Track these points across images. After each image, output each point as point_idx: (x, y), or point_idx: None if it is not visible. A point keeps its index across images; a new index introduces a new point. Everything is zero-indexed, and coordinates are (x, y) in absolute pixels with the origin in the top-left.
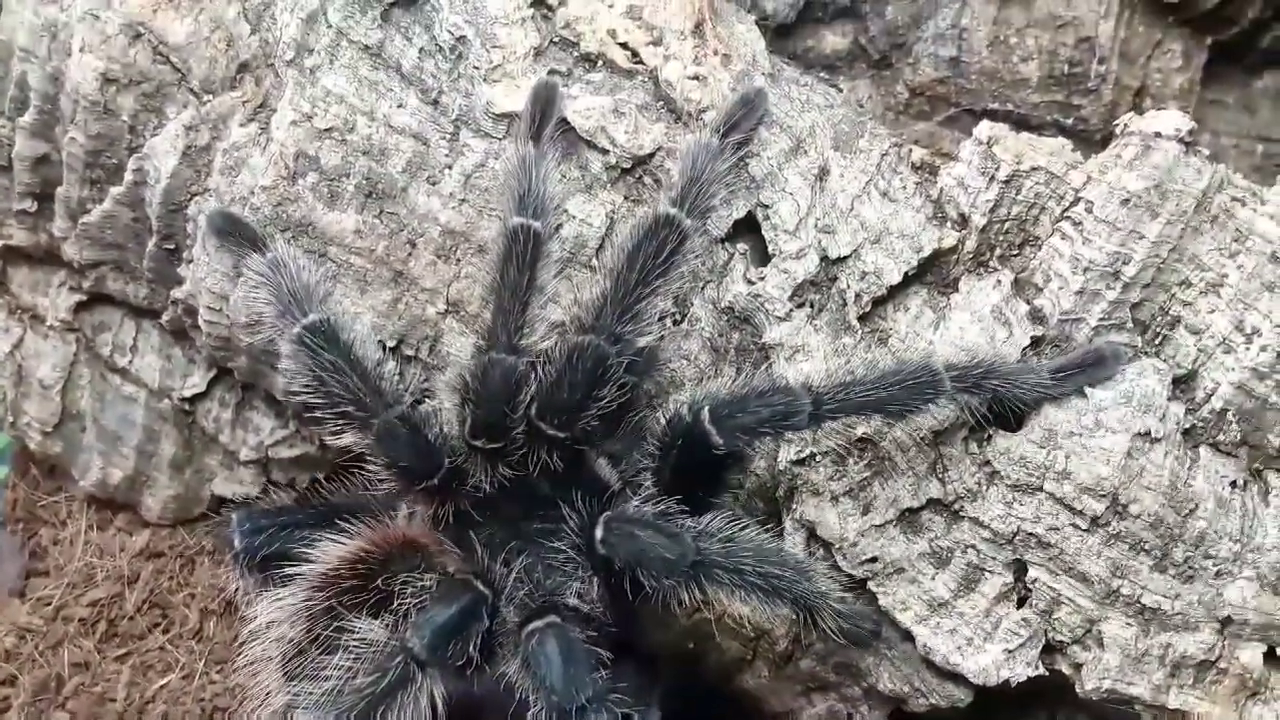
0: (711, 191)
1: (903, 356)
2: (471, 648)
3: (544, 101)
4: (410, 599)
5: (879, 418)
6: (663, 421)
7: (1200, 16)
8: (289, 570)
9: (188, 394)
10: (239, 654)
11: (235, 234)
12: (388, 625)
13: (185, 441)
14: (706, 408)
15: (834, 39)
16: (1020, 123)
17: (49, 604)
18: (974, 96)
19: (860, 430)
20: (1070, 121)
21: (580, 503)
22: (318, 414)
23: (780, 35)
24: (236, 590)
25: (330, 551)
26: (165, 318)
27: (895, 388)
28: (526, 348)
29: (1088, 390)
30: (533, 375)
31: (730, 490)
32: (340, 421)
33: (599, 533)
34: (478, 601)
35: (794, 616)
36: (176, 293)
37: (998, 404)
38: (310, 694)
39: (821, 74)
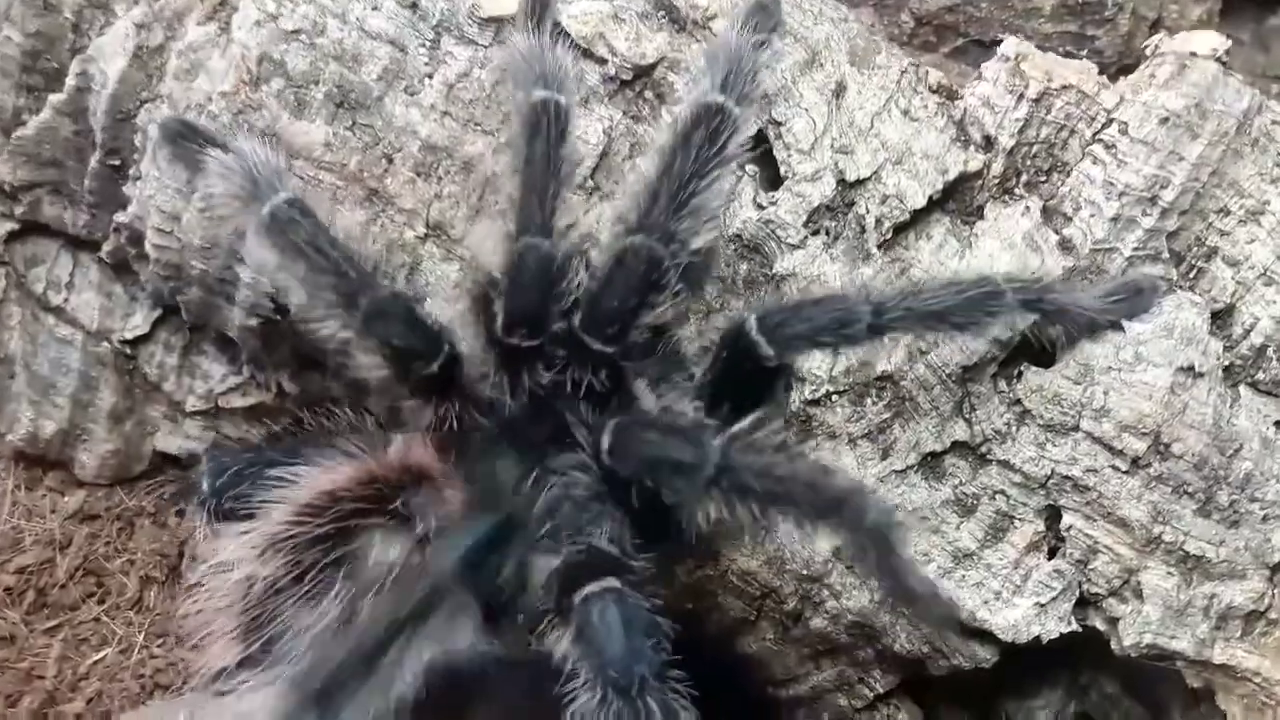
0: (756, 80)
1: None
2: (505, 572)
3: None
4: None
5: (943, 331)
6: (696, 343)
7: None
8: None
9: (129, 336)
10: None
11: (192, 139)
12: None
13: (126, 390)
14: (753, 317)
15: None
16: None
17: None
18: (983, 26)
19: (881, 366)
20: (1084, 53)
21: (601, 430)
22: (295, 304)
23: None
24: (204, 540)
25: (314, 482)
26: (107, 248)
27: (958, 298)
28: (563, 232)
29: (1125, 324)
30: (571, 270)
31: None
32: (322, 308)
33: (605, 441)
34: (509, 523)
35: (852, 546)
36: (121, 217)
37: (1041, 332)
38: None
39: None
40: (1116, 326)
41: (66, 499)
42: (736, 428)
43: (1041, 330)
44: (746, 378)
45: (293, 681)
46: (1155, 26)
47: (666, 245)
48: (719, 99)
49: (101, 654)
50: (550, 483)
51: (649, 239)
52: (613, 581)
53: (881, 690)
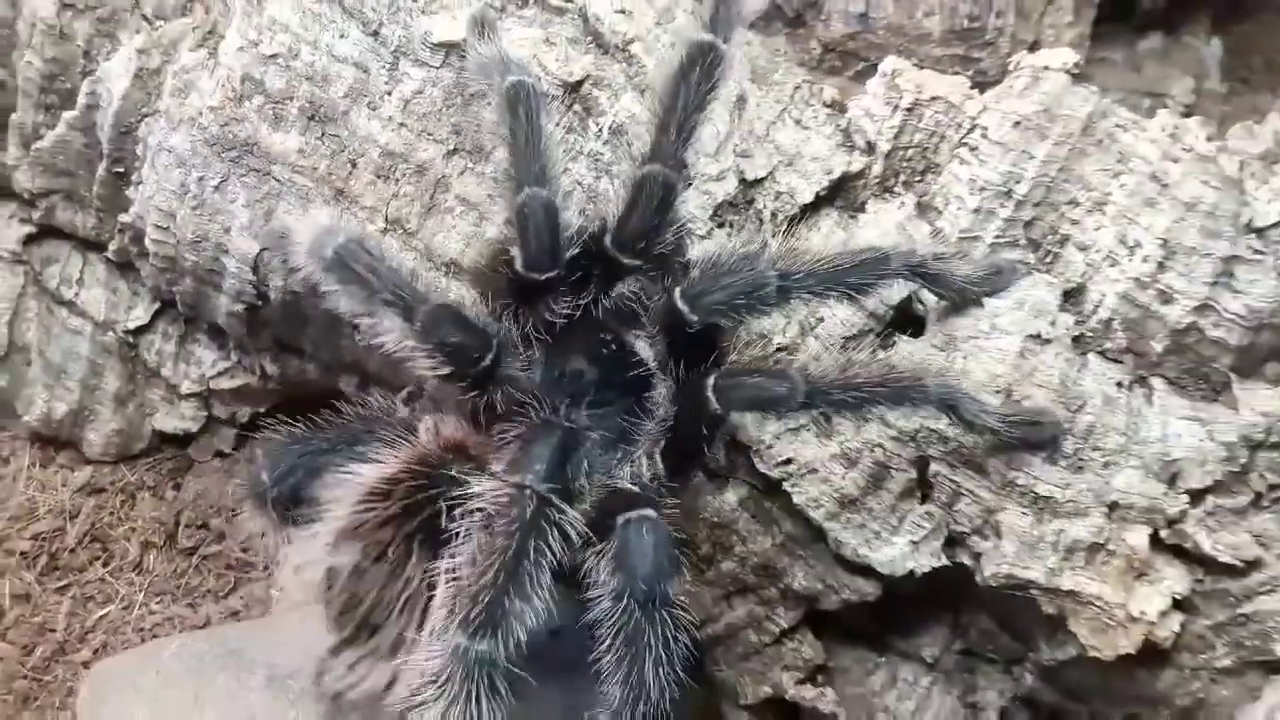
0: (736, 18)
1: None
2: (581, 476)
3: (484, 23)
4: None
5: (837, 294)
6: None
7: None
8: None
9: (132, 327)
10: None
11: (282, 236)
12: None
13: (128, 375)
14: (679, 289)
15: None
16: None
17: None
18: (881, 51)
19: (777, 339)
20: (970, 73)
21: (626, 381)
22: (363, 323)
23: None
24: (264, 537)
25: (369, 472)
26: (112, 248)
27: (853, 264)
28: (553, 183)
29: (985, 300)
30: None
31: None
32: (385, 323)
33: (709, 393)
34: (570, 432)
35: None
36: (124, 218)
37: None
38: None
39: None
40: (977, 303)
41: (76, 474)
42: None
43: (918, 298)
44: (690, 343)
45: (457, 619)
46: (1034, 47)
47: (678, 171)
48: (707, 37)
49: (106, 610)
50: (576, 435)
51: (664, 167)
52: (650, 511)
53: (786, 625)
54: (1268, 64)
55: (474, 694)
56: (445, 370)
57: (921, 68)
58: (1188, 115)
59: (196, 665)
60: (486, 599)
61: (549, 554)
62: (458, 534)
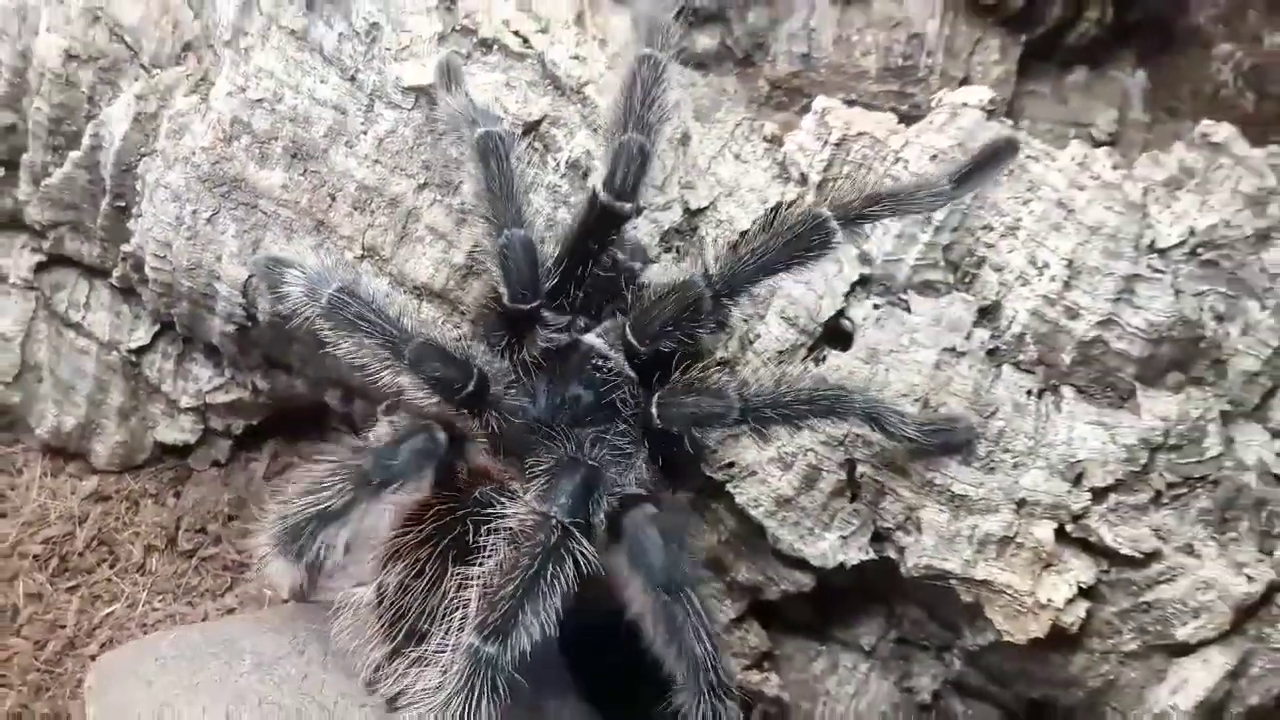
0: (670, 39)
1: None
2: (600, 513)
3: (450, 71)
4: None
5: (776, 274)
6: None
7: (1012, 16)
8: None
9: (134, 346)
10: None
11: (275, 266)
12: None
13: (131, 391)
14: (627, 323)
15: (704, 40)
16: (864, 109)
17: (5, 542)
18: (824, 88)
19: (720, 354)
20: (905, 108)
21: (619, 400)
22: (360, 363)
23: None
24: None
25: (405, 499)
26: (115, 275)
27: (787, 247)
28: (528, 223)
29: (904, 316)
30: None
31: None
32: (377, 363)
33: (654, 410)
34: (594, 469)
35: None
36: (126, 247)
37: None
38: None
39: (693, 69)
40: (898, 320)
41: (84, 483)
42: (741, 377)
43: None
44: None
45: (474, 626)
46: (964, 83)
47: (649, 137)
48: (646, 50)
49: (112, 608)
50: (584, 451)
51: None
52: (650, 508)
53: (733, 615)
54: (1194, 93)
55: (476, 690)
56: (434, 400)
57: (860, 104)
58: (1111, 144)
59: (191, 654)
60: (504, 609)
61: (562, 580)
62: (484, 548)
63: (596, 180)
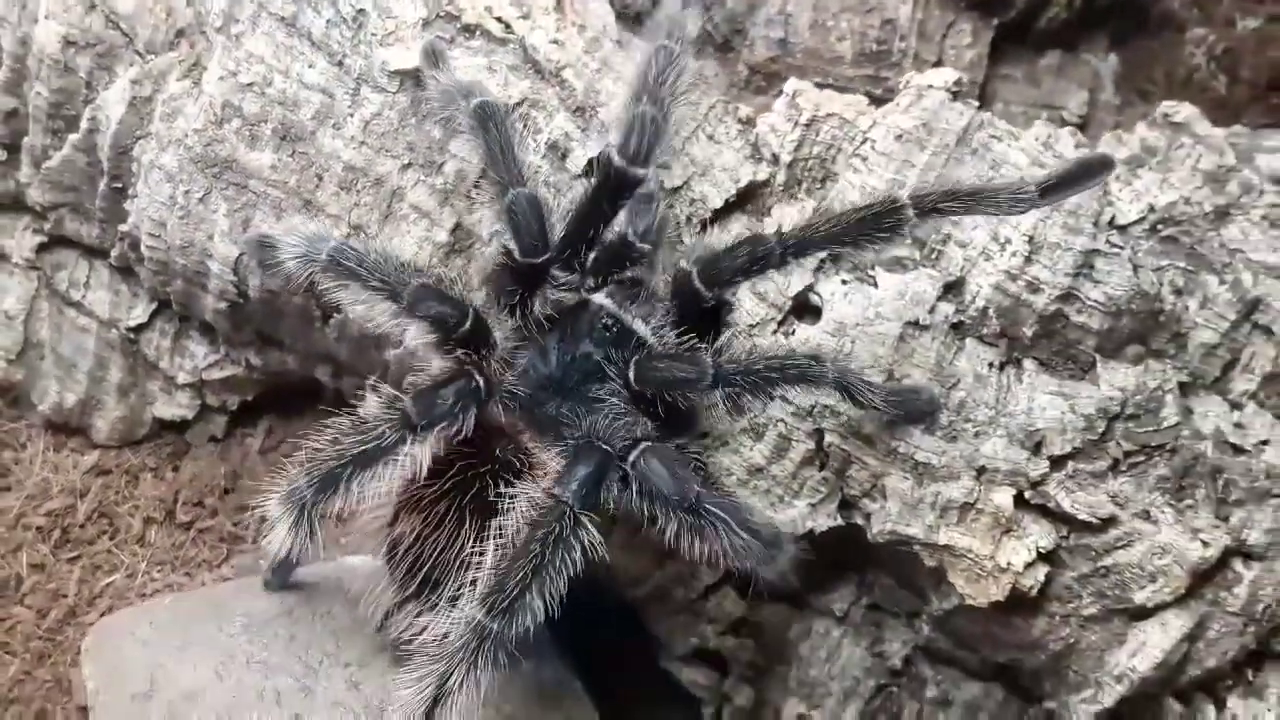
0: (687, 33)
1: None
2: (609, 498)
3: (435, 53)
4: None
5: (843, 246)
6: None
7: (984, 0)
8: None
9: (133, 324)
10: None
11: (268, 240)
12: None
13: (130, 368)
14: (695, 268)
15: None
16: (840, 93)
17: (9, 514)
18: (800, 72)
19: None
20: (880, 92)
21: (627, 363)
22: (361, 309)
23: (638, 23)
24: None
25: (422, 451)
26: (114, 254)
27: (859, 225)
28: (531, 180)
29: (871, 292)
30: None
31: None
32: (376, 306)
33: (631, 374)
34: (608, 456)
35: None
36: (123, 227)
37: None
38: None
39: None
40: (863, 294)
41: (85, 457)
42: (717, 344)
43: (814, 290)
44: (699, 315)
45: (480, 600)
46: (937, 66)
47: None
48: (664, 41)
49: (112, 578)
50: (591, 409)
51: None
52: (646, 442)
53: (709, 583)
54: (1168, 77)
55: (476, 662)
56: (431, 336)
57: (836, 88)
58: (1081, 126)
59: (185, 617)
60: (510, 589)
61: (570, 566)
62: (503, 505)
63: (611, 147)
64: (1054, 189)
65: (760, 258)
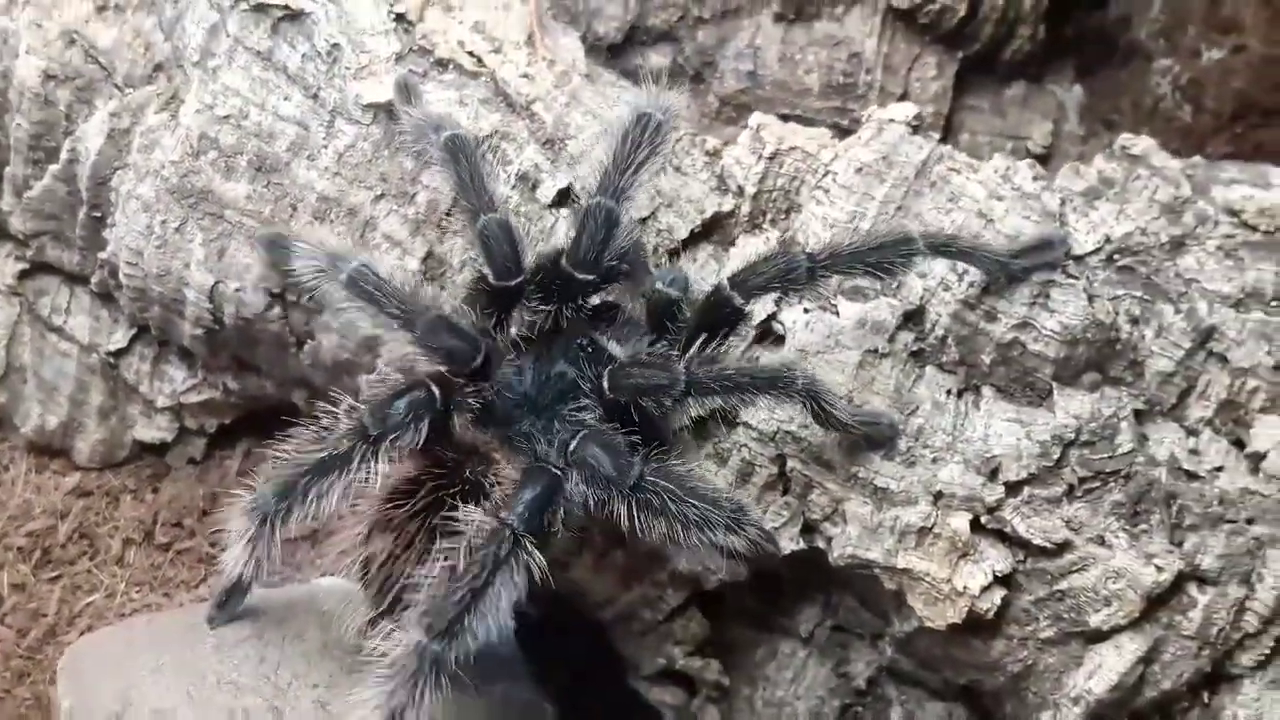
0: (675, 107)
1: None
2: (558, 520)
3: (407, 88)
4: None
5: (864, 274)
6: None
7: (947, 34)
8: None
9: (113, 349)
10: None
11: (282, 242)
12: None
13: (111, 392)
14: (726, 279)
15: (657, 58)
16: (806, 124)
17: None
18: (769, 104)
19: None
20: (846, 124)
21: (600, 377)
22: (371, 329)
23: (613, 55)
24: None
25: (396, 472)
26: (94, 281)
27: (877, 251)
28: (502, 207)
29: (832, 320)
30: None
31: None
32: (389, 332)
33: (605, 382)
34: (555, 478)
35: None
36: (102, 255)
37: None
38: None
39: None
40: (825, 322)
41: (66, 479)
42: (689, 352)
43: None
44: (715, 326)
45: (419, 621)
46: (903, 99)
47: (618, 201)
48: (646, 109)
49: (91, 598)
50: (562, 428)
51: (605, 199)
52: (584, 430)
53: (675, 605)
54: (1134, 106)
55: (420, 683)
56: (443, 368)
57: (804, 120)
58: (1045, 157)
59: (159, 638)
60: (450, 614)
61: (512, 587)
62: (451, 527)
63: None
64: (1020, 255)
65: (791, 271)
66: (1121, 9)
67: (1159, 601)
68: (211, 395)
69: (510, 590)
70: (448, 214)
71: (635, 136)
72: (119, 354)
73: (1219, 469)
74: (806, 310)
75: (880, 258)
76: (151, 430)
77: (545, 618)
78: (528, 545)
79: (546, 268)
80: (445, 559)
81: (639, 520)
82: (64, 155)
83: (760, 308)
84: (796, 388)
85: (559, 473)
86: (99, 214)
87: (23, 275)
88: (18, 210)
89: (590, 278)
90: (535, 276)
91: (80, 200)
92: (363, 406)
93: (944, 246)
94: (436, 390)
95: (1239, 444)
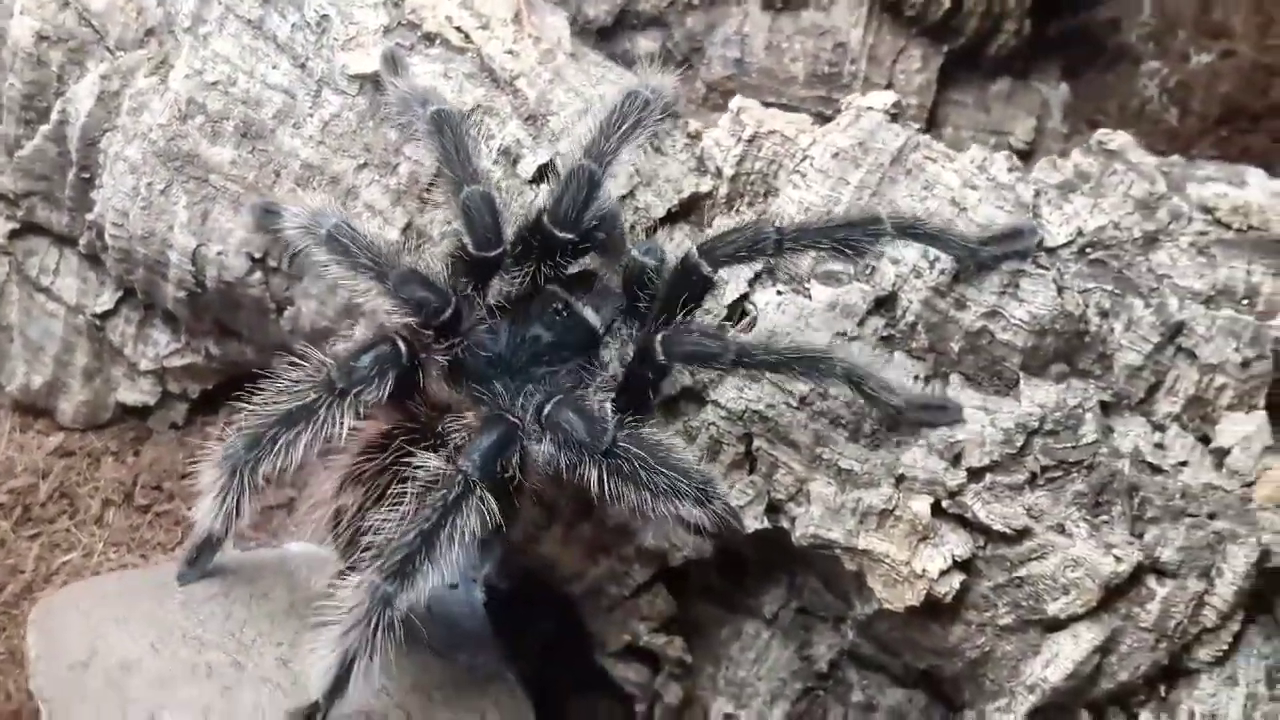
0: (667, 87)
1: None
2: (512, 467)
3: (394, 60)
4: (456, 438)
5: (830, 251)
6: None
7: (932, 26)
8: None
9: (99, 311)
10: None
11: (272, 208)
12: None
13: (96, 353)
14: (695, 247)
15: (646, 43)
16: (790, 112)
17: None
18: (756, 91)
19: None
20: (830, 113)
21: (576, 343)
22: (348, 284)
23: (602, 38)
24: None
25: (369, 427)
26: (82, 243)
27: (845, 228)
28: (485, 179)
29: (803, 303)
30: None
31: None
32: (364, 284)
33: (657, 345)
34: (512, 428)
35: (849, 391)
36: (90, 216)
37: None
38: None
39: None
40: (796, 304)
41: (49, 439)
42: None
43: (750, 300)
44: (683, 300)
45: (371, 563)
46: (888, 89)
47: (601, 165)
48: (637, 87)
49: (69, 556)
50: (535, 389)
51: (590, 161)
52: (558, 395)
53: (642, 581)
54: (1121, 108)
55: (373, 623)
56: (411, 319)
57: (789, 108)
58: (1027, 153)
59: (129, 592)
60: (401, 555)
61: (462, 532)
62: (410, 474)
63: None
64: (989, 242)
65: (758, 243)
66: (1111, 11)
67: (1117, 592)
68: (194, 360)
69: (462, 535)
70: (429, 187)
71: (624, 109)
72: (105, 316)
73: (1183, 464)
74: (779, 292)
75: (848, 235)
76: (135, 393)
77: (516, 591)
78: (480, 491)
79: (528, 226)
80: (404, 505)
81: (609, 486)
82: (54, 116)
83: (733, 287)
84: (836, 372)
85: (516, 422)
86: (87, 175)
87: (13, 235)
88: (9, 170)
89: (570, 236)
90: (515, 248)
91: (70, 161)
92: (330, 360)
93: (911, 229)
94: (404, 346)
95: (1205, 440)
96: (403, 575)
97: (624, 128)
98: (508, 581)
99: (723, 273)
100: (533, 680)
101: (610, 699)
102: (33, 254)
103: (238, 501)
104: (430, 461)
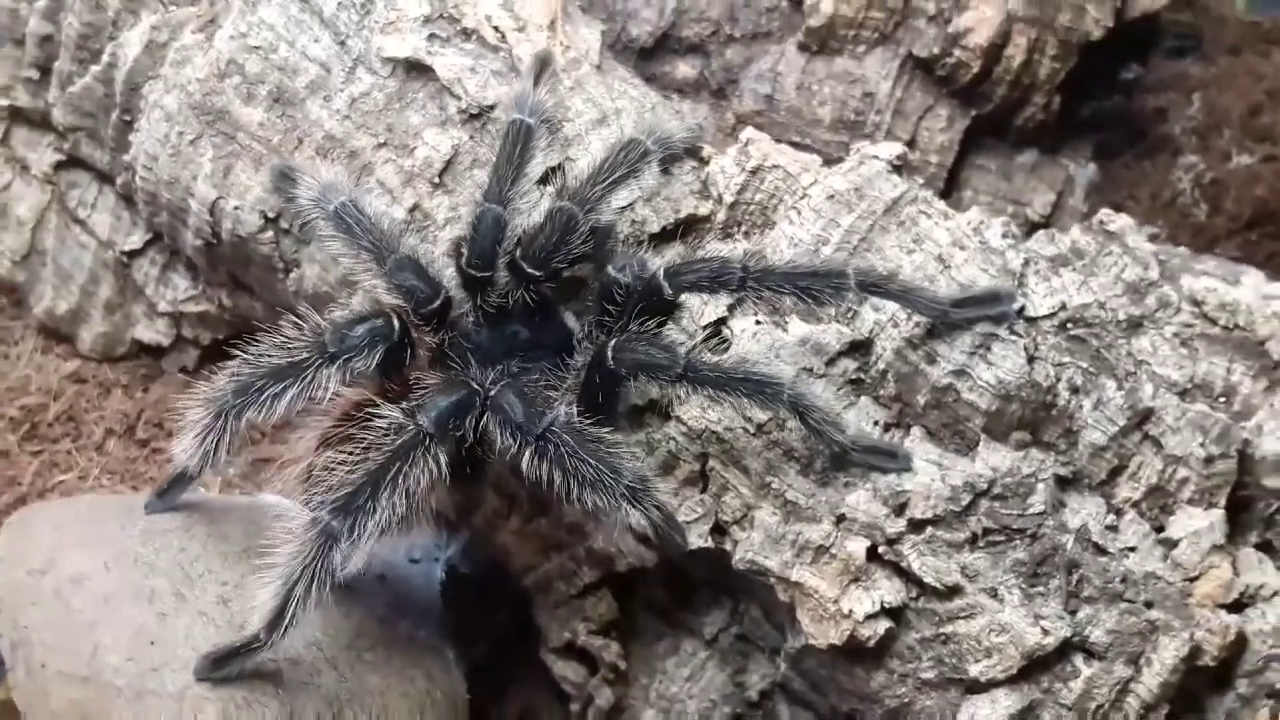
0: (666, 128)
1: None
2: (465, 426)
3: (544, 63)
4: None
5: (791, 299)
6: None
7: (962, 89)
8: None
9: (128, 249)
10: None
11: (290, 174)
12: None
13: (119, 289)
14: (662, 268)
15: (685, 69)
16: (807, 152)
17: None
18: (782, 129)
19: None
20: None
21: (554, 343)
22: (347, 261)
23: (644, 58)
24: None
25: (349, 396)
26: (119, 182)
27: (809, 277)
28: (513, 205)
29: (779, 335)
30: (518, 228)
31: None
32: (362, 265)
33: (609, 352)
34: (472, 394)
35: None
36: (126, 157)
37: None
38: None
39: (672, 94)
40: (773, 337)
41: (66, 364)
42: (693, 342)
43: (728, 325)
44: (648, 312)
45: (325, 502)
46: (909, 145)
47: (583, 210)
48: (638, 137)
49: (65, 476)
50: (505, 378)
51: (571, 204)
52: (506, 379)
53: (589, 581)
54: (1154, 196)
55: (317, 552)
56: (400, 303)
57: (811, 149)
58: (1043, 227)
59: (97, 514)
60: (347, 492)
61: (409, 478)
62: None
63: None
64: (962, 305)
65: (722, 277)
66: (1159, 101)
67: (1041, 664)
68: (208, 308)
69: (406, 480)
70: (440, 173)
71: (619, 158)
72: (133, 254)
73: (1131, 549)
74: (758, 322)
75: (810, 285)
76: (151, 332)
77: (478, 578)
78: (431, 444)
79: (510, 252)
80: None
81: (536, 468)
82: (105, 58)
83: (712, 309)
84: (782, 398)
85: (478, 390)
86: (129, 118)
87: (58, 166)
88: (60, 103)
89: (537, 273)
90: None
91: (114, 103)
92: (327, 325)
93: (874, 286)
94: (397, 323)
95: (1160, 529)
96: (346, 511)
97: (614, 177)
98: (470, 567)
99: (704, 296)
100: (480, 665)
101: (549, 695)
102: (75, 186)
103: (216, 443)
104: (389, 412)
